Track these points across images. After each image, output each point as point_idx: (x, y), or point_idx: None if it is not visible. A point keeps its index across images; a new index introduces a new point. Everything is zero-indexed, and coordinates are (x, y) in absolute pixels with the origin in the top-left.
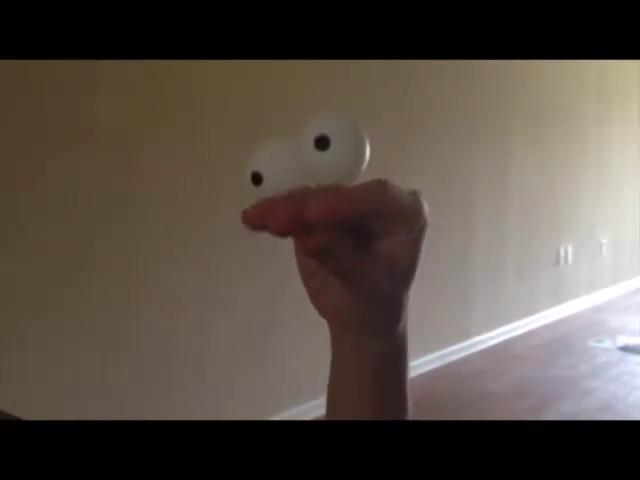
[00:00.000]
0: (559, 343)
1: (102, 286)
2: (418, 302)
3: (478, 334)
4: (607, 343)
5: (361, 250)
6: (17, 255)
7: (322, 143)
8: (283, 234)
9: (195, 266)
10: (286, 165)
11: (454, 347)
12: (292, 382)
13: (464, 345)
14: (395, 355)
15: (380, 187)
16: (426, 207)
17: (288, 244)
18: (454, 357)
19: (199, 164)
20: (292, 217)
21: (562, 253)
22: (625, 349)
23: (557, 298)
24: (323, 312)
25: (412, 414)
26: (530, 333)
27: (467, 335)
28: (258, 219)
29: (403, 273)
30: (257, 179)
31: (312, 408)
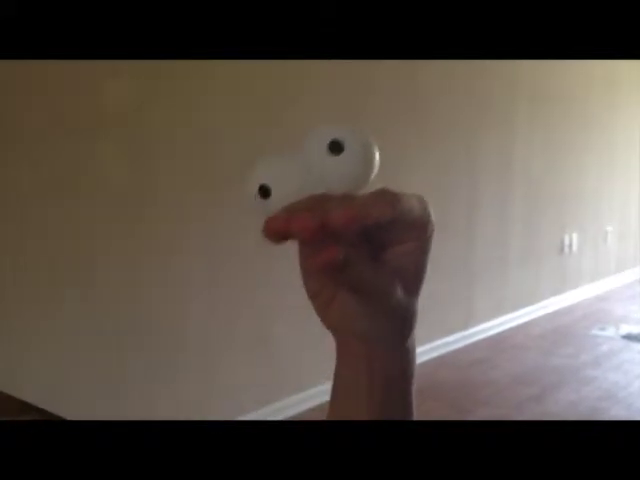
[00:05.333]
0: (562, 332)
1: (102, 285)
2: (421, 290)
3: (481, 322)
4: (610, 331)
5: (372, 260)
6: (17, 255)
7: (336, 147)
8: (309, 239)
9: (199, 261)
10: (294, 176)
11: (457, 335)
12: (297, 369)
13: (467, 333)
14: (405, 363)
15: (393, 197)
16: (433, 215)
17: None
18: (456, 345)
19: (202, 162)
20: (317, 223)
21: (567, 241)
22: (628, 337)
23: (561, 286)
24: (332, 325)
25: (414, 407)
26: (533, 322)
27: (470, 323)
28: (283, 226)
29: (411, 281)
30: (265, 192)
31: (316, 394)
